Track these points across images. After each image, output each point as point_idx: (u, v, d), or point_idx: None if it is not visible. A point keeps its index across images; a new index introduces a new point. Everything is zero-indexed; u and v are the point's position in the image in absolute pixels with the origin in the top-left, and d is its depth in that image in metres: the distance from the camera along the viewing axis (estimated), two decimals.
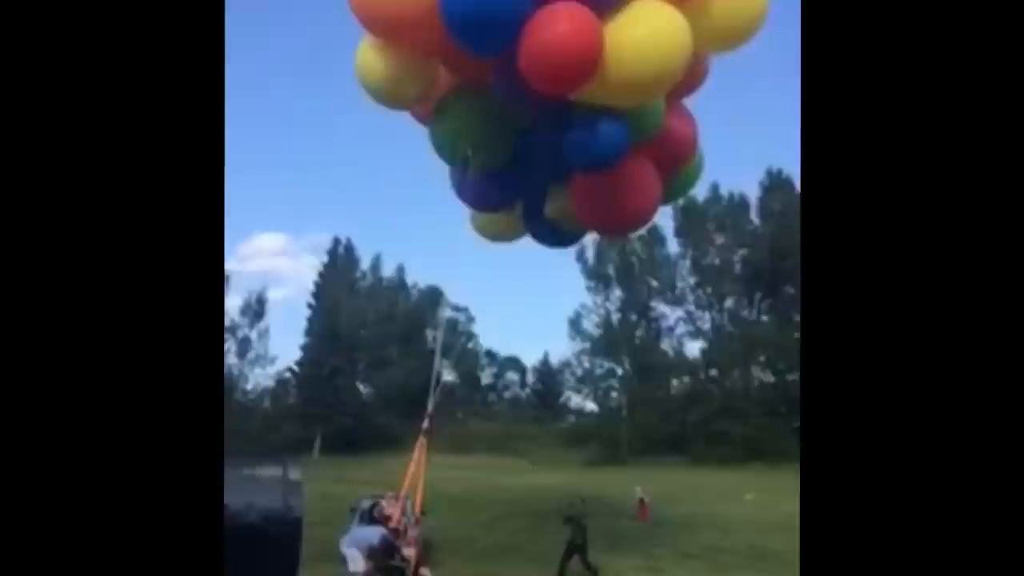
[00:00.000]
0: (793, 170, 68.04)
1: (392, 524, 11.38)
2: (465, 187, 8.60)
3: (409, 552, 11.62)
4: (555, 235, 9.73)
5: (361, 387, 72.26)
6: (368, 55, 8.02)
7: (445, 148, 8.36)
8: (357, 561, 12.02)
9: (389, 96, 8.36)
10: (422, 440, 12.65)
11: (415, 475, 12.26)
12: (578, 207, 8.49)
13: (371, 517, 14.84)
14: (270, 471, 11.77)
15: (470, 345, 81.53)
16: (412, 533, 11.65)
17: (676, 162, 8.38)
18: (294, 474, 11.97)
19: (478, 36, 7.30)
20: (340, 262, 76.84)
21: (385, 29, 7.70)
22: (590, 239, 69.31)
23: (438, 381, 11.86)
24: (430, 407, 12.57)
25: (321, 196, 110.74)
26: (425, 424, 12.42)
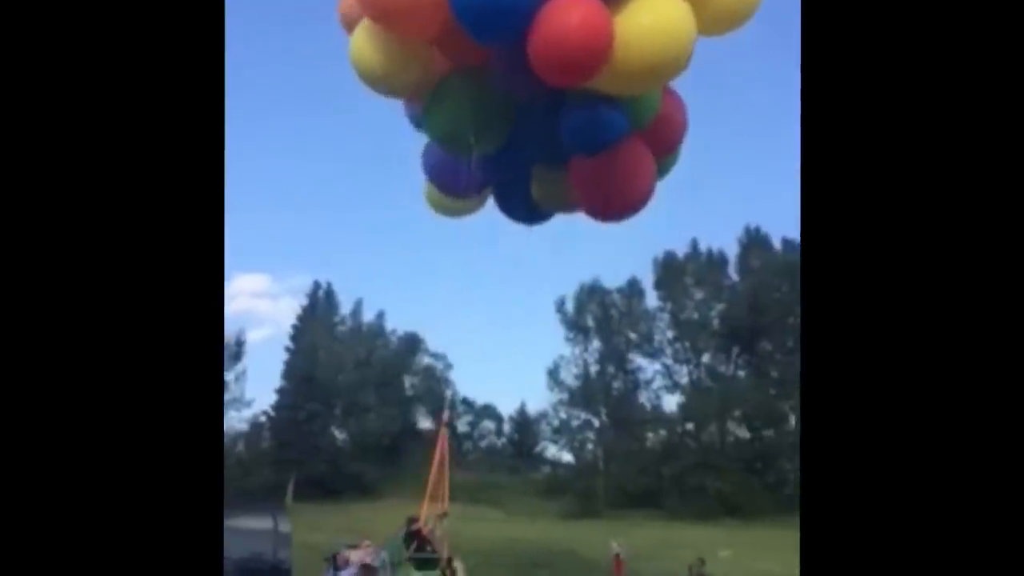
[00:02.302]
0: (771, 228, 69.19)
1: (418, 526, 11.35)
2: (463, 175, 8.62)
3: (440, 546, 11.59)
4: (532, 215, 9.70)
5: (337, 433, 71.62)
6: (364, 41, 7.99)
7: (446, 135, 8.39)
8: None
9: (385, 83, 8.31)
10: (444, 431, 12.47)
11: (440, 466, 12.13)
12: (576, 191, 8.60)
13: (335, 565, 14.82)
14: (259, 522, 11.81)
15: (448, 393, 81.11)
16: (440, 529, 11.60)
17: (669, 145, 8.63)
18: (284, 526, 12.02)
19: (488, 25, 7.36)
20: (320, 306, 76.69)
21: (387, 15, 7.72)
22: (570, 293, 69.59)
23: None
24: (448, 403, 12.34)
25: (304, 238, 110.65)
26: (445, 416, 12.22)
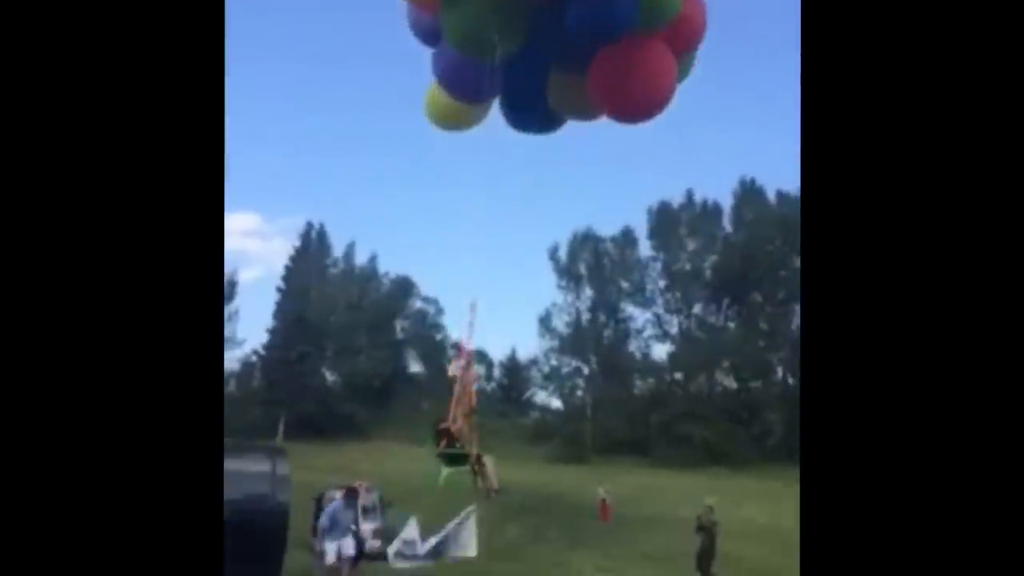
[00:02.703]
0: (766, 181, 68.94)
1: (446, 424, 11.64)
2: (482, 78, 8.46)
3: (469, 442, 11.89)
4: (547, 123, 9.59)
5: (327, 374, 72.04)
6: None
7: (467, 35, 8.25)
8: (330, 554, 12.23)
9: None
10: (469, 338, 12.58)
11: (466, 379, 12.33)
12: (596, 92, 8.56)
13: (319, 506, 15.10)
14: (256, 464, 11.90)
15: (439, 337, 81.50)
16: (468, 427, 11.87)
17: (688, 45, 8.62)
18: (282, 469, 12.11)
19: None
20: (312, 247, 76.49)
21: None
22: (564, 241, 69.41)
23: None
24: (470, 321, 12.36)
25: (298, 178, 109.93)
26: (469, 318, 12.23)
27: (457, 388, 12.00)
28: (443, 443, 11.44)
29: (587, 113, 9.48)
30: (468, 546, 12.47)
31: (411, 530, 12.58)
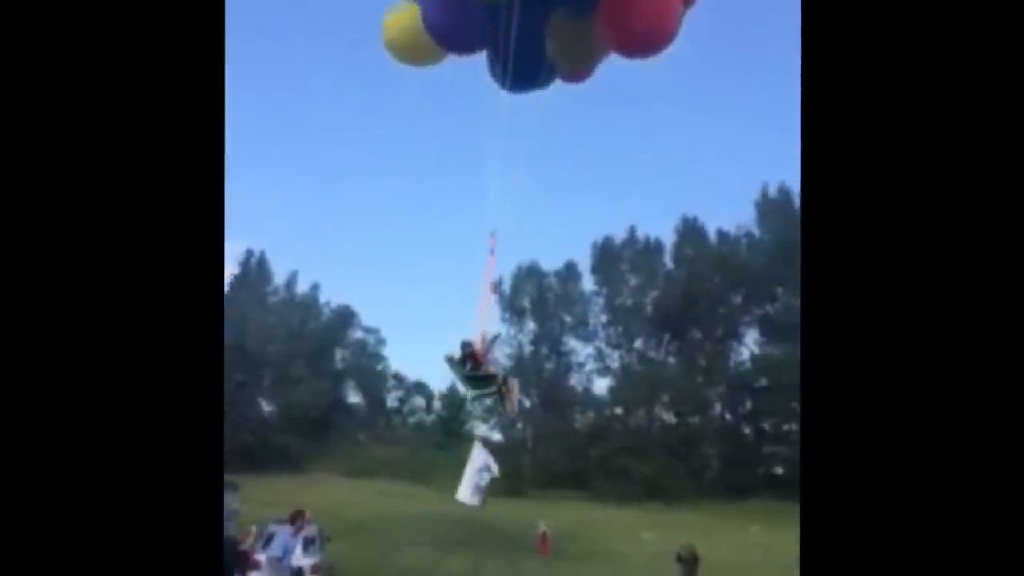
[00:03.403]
0: (707, 219, 70.33)
1: (472, 347, 11.45)
2: (473, 24, 8.35)
3: (495, 364, 11.60)
4: (542, 76, 9.51)
5: (264, 404, 70.62)
6: None
7: None
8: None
9: None
10: (491, 259, 12.31)
11: (489, 291, 12.10)
12: (605, 27, 8.58)
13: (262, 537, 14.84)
14: None
15: (379, 367, 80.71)
16: (492, 351, 11.73)
17: None
18: (232, 503, 11.81)
19: None
20: (252, 275, 75.33)
21: None
22: (508, 274, 69.53)
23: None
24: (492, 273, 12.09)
25: (239, 204, 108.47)
26: (491, 242, 11.96)
27: (482, 307, 11.81)
28: (469, 366, 11.30)
29: (588, 58, 9.38)
30: (466, 494, 12.27)
31: (482, 455, 12.50)
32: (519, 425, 71.50)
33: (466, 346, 11.36)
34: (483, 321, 11.42)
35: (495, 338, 11.70)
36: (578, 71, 9.77)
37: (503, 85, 9.25)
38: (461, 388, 11.69)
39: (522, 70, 8.96)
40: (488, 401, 11.88)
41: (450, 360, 11.43)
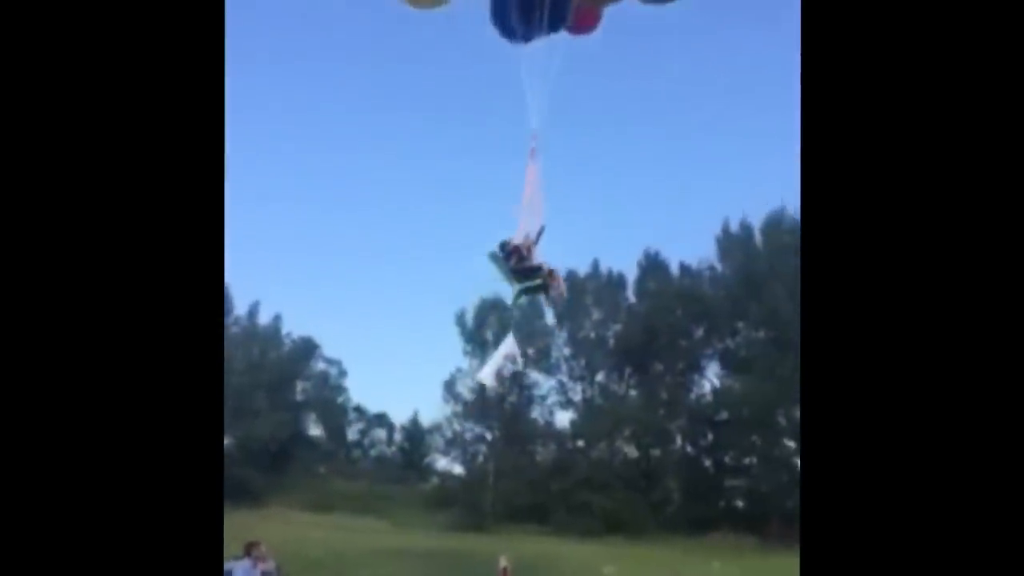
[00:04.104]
0: (669, 253, 71.05)
1: (515, 242, 11.33)
2: None
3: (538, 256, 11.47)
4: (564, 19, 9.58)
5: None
6: None
7: None
8: None
9: None
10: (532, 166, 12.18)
11: (533, 194, 11.95)
12: None
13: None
14: None
15: (340, 400, 79.96)
16: (536, 248, 11.48)
17: None
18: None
19: None
20: None
21: None
22: (471, 306, 69.50)
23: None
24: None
25: None
26: (533, 142, 11.86)
27: (526, 201, 11.72)
28: (514, 260, 11.34)
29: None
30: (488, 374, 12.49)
31: (512, 345, 12.53)
32: (481, 459, 71.15)
33: (506, 245, 11.39)
34: (525, 223, 11.42)
35: (541, 230, 11.62)
36: (592, 12, 9.83)
37: (512, 35, 9.35)
38: (506, 284, 11.58)
39: (552, 12, 9.03)
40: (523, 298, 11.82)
41: (493, 257, 11.49)
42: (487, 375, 12.02)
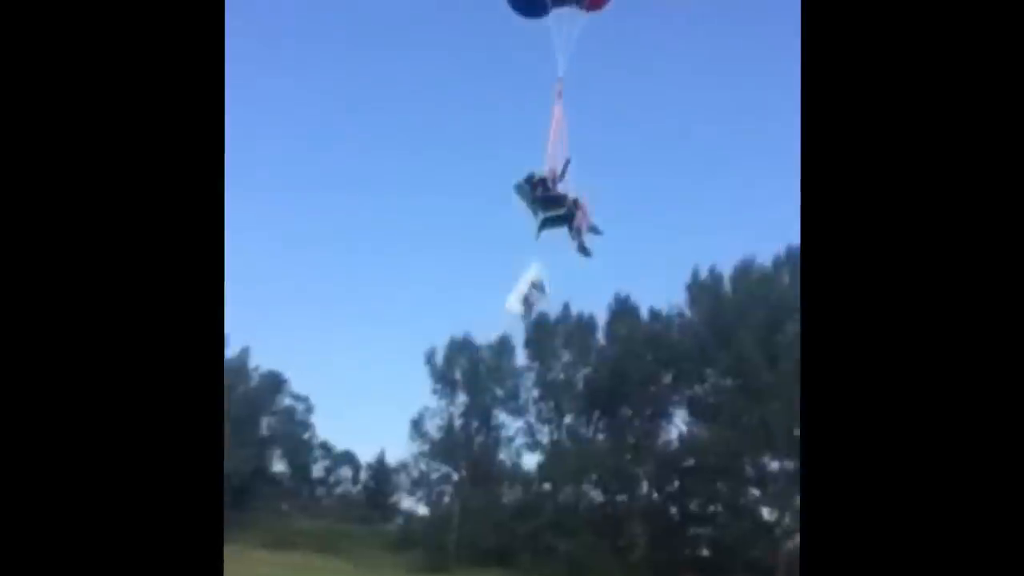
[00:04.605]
0: (640, 298, 71.42)
1: (539, 174, 11.51)
2: None
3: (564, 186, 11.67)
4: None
5: None
6: None
7: None
8: None
9: None
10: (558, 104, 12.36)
11: (559, 131, 12.07)
12: None
13: None
14: None
15: (306, 436, 78.99)
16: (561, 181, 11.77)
17: None
18: None
19: None
20: None
21: None
22: (441, 346, 69.23)
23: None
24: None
25: None
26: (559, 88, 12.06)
27: (553, 133, 11.78)
28: (539, 190, 11.53)
29: None
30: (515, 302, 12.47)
31: (538, 272, 12.54)
32: (446, 499, 70.42)
33: (532, 178, 11.61)
34: (551, 157, 11.64)
35: (567, 164, 11.85)
36: None
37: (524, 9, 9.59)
38: (531, 212, 11.91)
39: None
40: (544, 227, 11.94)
41: (519, 187, 11.70)
42: (513, 303, 12.15)
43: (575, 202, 11.88)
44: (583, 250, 12.19)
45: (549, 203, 11.70)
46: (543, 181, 11.59)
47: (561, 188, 11.75)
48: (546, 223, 11.88)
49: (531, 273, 12.60)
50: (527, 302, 12.49)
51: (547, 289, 12.61)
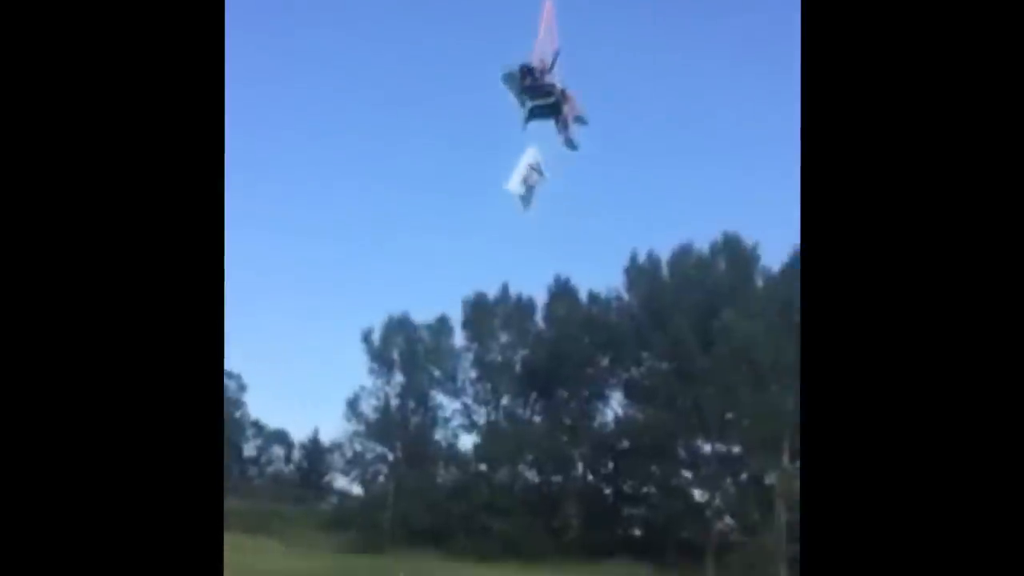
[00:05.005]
0: (579, 280, 71.87)
1: (530, 64, 11.42)
2: None
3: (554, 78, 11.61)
4: None
5: None
6: None
7: None
8: None
9: None
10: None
11: (549, 23, 11.97)
12: None
13: None
14: None
15: (238, 414, 77.73)
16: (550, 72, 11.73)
17: None
18: None
19: None
20: None
21: None
22: (378, 325, 68.82)
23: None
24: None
25: None
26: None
27: (543, 23, 11.58)
28: (528, 79, 11.46)
29: None
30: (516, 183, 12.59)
31: (536, 155, 12.52)
32: (381, 479, 70.17)
33: (524, 67, 11.53)
34: (540, 48, 11.57)
35: (556, 54, 11.77)
36: None
37: None
38: (519, 102, 11.83)
39: None
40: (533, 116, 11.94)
41: (508, 76, 11.64)
42: (515, 183, 12.21)
43: (563, 92, 11.84)
44: (569, 143, 12.19)
45: (537, 92, 11.65)
46: (532, 71, 11.53)
47: (550, 80, 11.70)
48: (534, 112, 11.86)
49: (529, 155, 12.61)
50: (526, 183, 12.50)
51: (545, 172, 12.68)
